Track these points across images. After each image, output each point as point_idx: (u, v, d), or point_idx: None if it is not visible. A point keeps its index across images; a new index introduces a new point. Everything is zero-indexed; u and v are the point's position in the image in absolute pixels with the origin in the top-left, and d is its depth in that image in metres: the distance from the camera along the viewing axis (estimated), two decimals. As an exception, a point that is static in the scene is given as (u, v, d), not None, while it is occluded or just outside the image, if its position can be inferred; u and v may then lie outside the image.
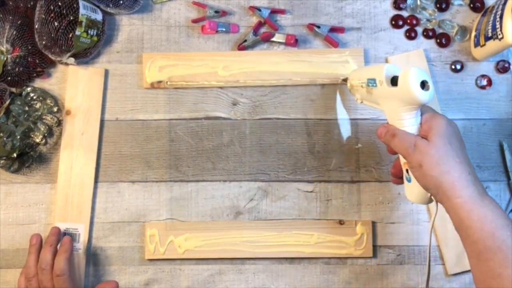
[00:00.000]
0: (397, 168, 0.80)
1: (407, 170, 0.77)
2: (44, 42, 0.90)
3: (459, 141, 0.74)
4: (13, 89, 0.94)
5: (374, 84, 0.78)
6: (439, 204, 0.74)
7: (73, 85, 0.94)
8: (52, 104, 0.94)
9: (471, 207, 0.69)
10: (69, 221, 0.92)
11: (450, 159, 0.71)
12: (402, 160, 0.77)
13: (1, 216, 0.94)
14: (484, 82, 0.95)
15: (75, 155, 0.93)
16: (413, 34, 0.96)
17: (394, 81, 0.75)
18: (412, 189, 0.77)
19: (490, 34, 0.88)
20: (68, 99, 0.94)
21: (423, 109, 0.75)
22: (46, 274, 0.85)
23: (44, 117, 0.94)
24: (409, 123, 0.75)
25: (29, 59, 0.93)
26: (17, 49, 0.92)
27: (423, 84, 0.72)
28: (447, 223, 0.92)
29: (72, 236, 0.91)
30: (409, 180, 0.77)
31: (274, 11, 0.96)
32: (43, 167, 0.94)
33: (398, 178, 0.81)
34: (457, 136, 0.75)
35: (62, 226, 0.91)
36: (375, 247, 0.93)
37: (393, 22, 0.96)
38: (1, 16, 0.92)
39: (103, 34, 0.94)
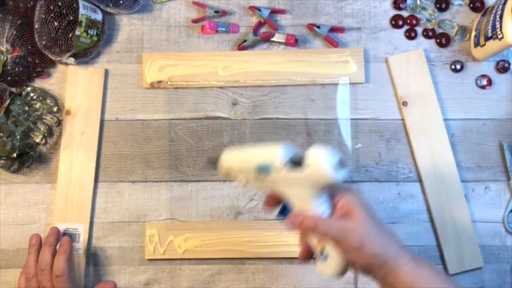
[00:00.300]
0: (306, 249, 0.73)
1: (321, 250, 0.71)
2: (44, 42, 0.90)
3: (372, 209, 0.71)
4: (13, 89, 0.94)
5: (268, 171, 0.69)
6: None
7: (73, 85, 0.94)
8: (52, 104, 0.94)
9: (415, 270, 0.67)
10: (69, 221, 0.92)
11: (383, 232, 0.69)
12: (314, 241, 0.71)
13: (1, 216, 0.94)
14: (484, 82, 0.95)
15: (75, 155, 0.93)
16: (413, 34, 0.96)
17: (295, 162, 0.68)
18: (329, 266, 0.71)
19: (490, 34, 0.88)
20: (68, 99, 0.94)
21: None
22: (45, 274, 0.85)
23: (44, 117, 0.94)
24: (321, 205, 0.69)
25: (29, 59, 0.93)
26: (17, 49, 0.92)
27: (339, 163, 0.66)
28: (447, 223, 0.92)
29: (72, 236, 0.91)
30: (325, 258, 0.71)
31: (274, 11, 0.96)
32: (43, 167, 0.94)
33: (307, 259, 0.74)
34: (367, 203, 0.71)
35: (62, 226, 0.91)
36: (375, 247, 0.93)
37: (393, 22, 0.96)
38: (1, 16, 0.92)
39: (103, 34, 0.94)
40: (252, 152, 0.73)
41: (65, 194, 0.93)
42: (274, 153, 0.69)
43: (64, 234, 0.91)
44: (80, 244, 0.92)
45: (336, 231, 0.68)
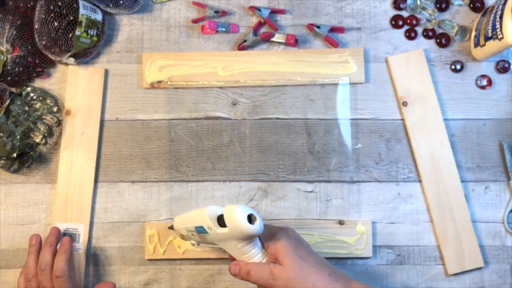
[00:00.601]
0: None
1: None
2: (44, 42, 0.90)
3: (305, 247, 0.77)
4: (13, 89, 0.94)
5: (205, 231, 0.78)
6: None
7: (73, 85, 0.94)
8: (52, 104, 0.94)
9: None
10: (69, 221, 0.92)
11: (309, 272, 0.74)
12: None
13: (1, 216, 0.94)
14: (484, 82, 0.95)
15: (75, 155, 0.93)
16: (413, 34, 0.96)
17: (220, 221, 0.76)
18: None
19: (490, 34, 0.88)
20: (68, 99, 0.94)
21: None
22: (45, 274, 0.85)
23: (44, 117, 0.94)
24: (253, 253, 0.77)
25: (29, 59, 0.93)
26: (17, 49, 0.92)
27: (250, 218, 0.73)
28: (447, 223, 0.92)
29: (72, 236, 0.91)
30: None
31: (274, 11, 0.96)
32: (43, 167, 0.94)
33: None
34: (301, 242, 0.78)
35: (62, 226, 0.91)
36: (375, 247, 0.93)
37: (393, 22, 0.96)
38: (1, 16, 0.92)
39: (103, 34, 0.94)
40: (189, 217, 0.83)
41: (65, 194, 0.93)
42: (203, 215, 0.77)
43: (64, 234, 0.91)
44: (80, 244, 0.92)
45: (266, 276, 0.75)
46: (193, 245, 0.90)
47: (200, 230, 0.78)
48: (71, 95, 0.94)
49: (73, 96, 0.94)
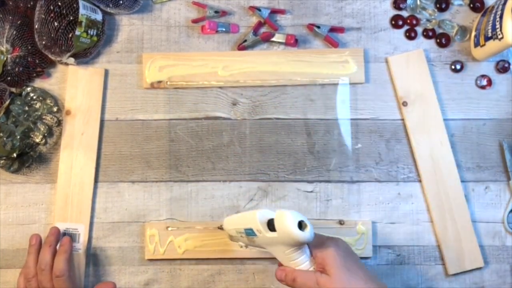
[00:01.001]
0: None
1: None
2: (44, 42, 0.90)
3: (354, 260, 0.76)
4: (13, 89, 0.94)
5: (254, 234, 0.77)
6: None
7: (73, 85, 0.94)
8: (52, 104, 0.94)
9: None
10: (69, 221, 0.92)
11: (356, 286, 0.73)
12: None
13: (1, 216, 0.94)
14: (484, 82, 0.95)
15: (75, 155, 0.93)
16: (413, 34, 0.96)
17: (270, 225, 0.75)
18: None
19: (490, 34, 0.88)
20: (68, 99, 0.94)
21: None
22: (45, 274, 0.85)
23: (44, 117, 0.94)
24: (301, 260, 0.76)
25: (29, 59, 0.93)
26: (17, 49, 0.92)
27: (300, 225, 0.72)
28: (447, 223, 0.92)
29: (72, 236, 0.91)
30: None
31: (274, 11, 0.96)
32: (43, 167, 0.94)
33: None
34: (350, 255, 0.77)
35: (62, 226, 0.91)
36: (374, 247, 0.93)
37: (393, 22, 0.96)
38: (1, 16, 0.92)
39: (103, 34, 0.94)
40: (239, 218, 0.82)
41: (65, 194, 0.93)
42: (253, 218, 0.77)
43: (64, 234, 0.91)
44: (80, 244, 0.92)
45: (312, 285, 0.74)
46: (241, 246, 0.89)
47: (249, 233, 0.78)
48: (71, 95, 0.94)
49: (73, 96, 0.94)
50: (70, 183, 0.93)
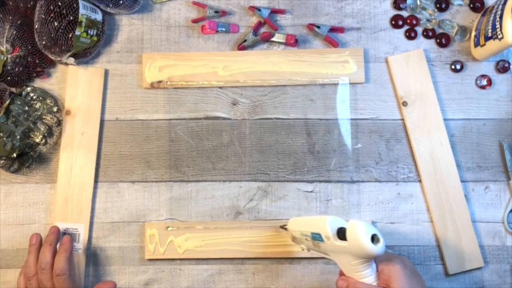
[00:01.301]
0: None
1: None
2: (44, 42, 0.90)
3: (419, 281, 0.76)
4: (13, 89, 0.94)
5: (321, 239, 0.76)
6: None
7: (73, 85, 0.94)
8: (52, 104, 0.94)
9: None
10: (69, 221, 0.92)
11: None
12: None
13: (1, 216, 0.94)
14: (484, 82, 0.95)
15: (75, 155, 0.93)
16: (413, 34, 0.96)
17: (340, 233, 0.74)
18: None
19: (490, 34, 0.88)
20: (68, 99, 0.94)
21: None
22: (46, 273, 0.85)
23: (44, 117, 0.94)
24: (366, 274, 0.75)
25: (29, 59, 0.93)
26: (17, 49, 0.92)
27: (373, 238, 0.71)
28: (447, 223, 0.92)
29: (72, 236, 0.91)
30: None
31: (274, 11, 0.96)
32: (43, 167, 0.94)
33: None
34: (416, 275, 0.76)
35: (62, 226, 0.91)
36: (375, 247, 0.93)
37: (393, 22, 0.96)
38: (1, 16, 0.92)
39: (103, 34, 0.94)
40: (307, 221, 0.81)
41: (65, 194, 0.93)
42: (323, 224, 0.75)
43: (64, 233, 0.91)
44: (80, 244, 0.92)
45: None
46: (303, 249, 0.87)
47: (316, 237, 0.77)
48: (71, 95, 0.94)
49: (73, 96, 0.94)
50: (70, 183, 0.93)
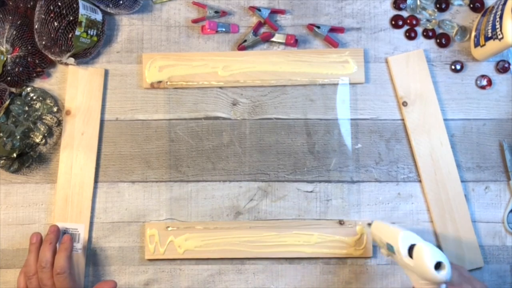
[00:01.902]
0: None
1: None
2: (44, 42, 0.90)
3: None
4: (13, 89, 0.94)
5: (393, 251, 0.77)
6: None
7: (73, 85, 0.94)
8: (52, 104, 0.94)
9: None
10: (69, 221, 0.92)
11: None
12: None
13: (1, 216, 0.94)
14: (484, 82, 0.95)
15: (75, 155, 0.93)
16: (413, 34, 0.96)
17: (411, 250, 0.74)
18: None
19: (490, 34, 0.88)
20: (68, 99, 0.94)
21: None
22: (46, 272, 0.85)
23: (44, 117, 0.94)
24: None
25: (29, 59, 0.93)
26: (17, 49, 0.92)
27: (439, 265, 0.70)
28: (447, 223, 0.92)
29: (71, 236, 0.91)
30: None
31: (274, 11, 0.96)
32: (43, 167, 0.94)
33: None
34: None
35: (62, 226, 0.91)
36: (375, 247, 0.93)
37: (393, 22, 0.96)
38: (1, 16, 0.92)
39: (103, 34, 0.94)
40: (386, 229, 0.81)
41: (65, 194, 0.93)
42: (396, 238, 0.76)
43: (65, 233, 0.91)
44: (80, 244, 0.92)
45: None
46: (382, 253, 0.85)
47: (390, 248, 0.78)
48: (71, 95, 0.94)
49: (73, 96, 0.94)
50: (70, 183, 0.93)
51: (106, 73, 0.95)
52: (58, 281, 0.84)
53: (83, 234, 0.92)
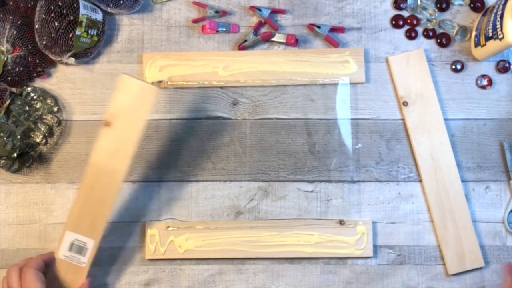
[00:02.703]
0: None
1: None
2: (44, 42, 0.90)
3: None
4: (13, 89, 0.94)
5: None
6: None
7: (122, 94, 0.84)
8: (52, 104, 0.94)
9: None
10: (81, 232, 0.85)
11: None
12: None
13: (1, 216, 0.94)
14: (485, 82, 0.95)
15: None
16: (413, 34, 0.96)
17: None
18: None
19: (490, 34, 0.88)
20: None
21: None
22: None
23: (44, 117, 0.94)
24: None
25: (29, 59, 0.93)
26: (18, 49, 0.92)
27: None
28: (447, 223, 0.92)
29: (79, 249, 0.86)
30: None
31: (274, 11, 0.96)
32: (44, 167, 0.94)
33: None
34: None
35: (72, 237, 0.85)
36: (375, 247, 0.93)
37: (394, 22, 0.96)
38: (1, 16, 0.92)
39: (103, 34, 0.94)
40: None
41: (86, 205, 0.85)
42: None
43: (72, 245, 0.86)
44: (86, 259, 0.86)
45: None
46: None
47: None
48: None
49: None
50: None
51: (107, 73, 0.95)
52: None
53: (90, 250, 0.86)
